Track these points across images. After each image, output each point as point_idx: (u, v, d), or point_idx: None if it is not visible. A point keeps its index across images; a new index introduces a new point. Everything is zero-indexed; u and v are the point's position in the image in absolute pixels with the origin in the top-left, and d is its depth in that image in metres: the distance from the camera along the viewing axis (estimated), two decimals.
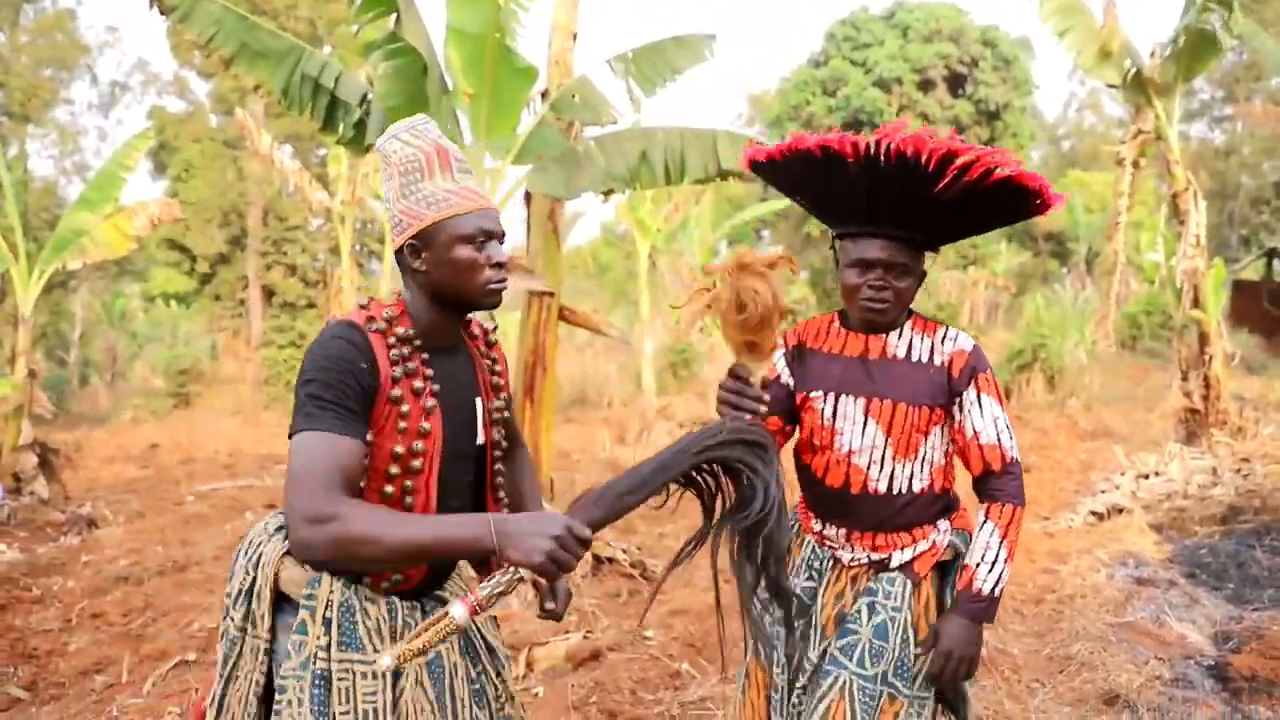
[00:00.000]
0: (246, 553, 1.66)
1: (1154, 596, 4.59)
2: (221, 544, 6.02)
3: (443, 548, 1.42)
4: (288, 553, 1.62)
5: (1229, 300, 14.29)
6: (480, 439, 1.74)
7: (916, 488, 1.97)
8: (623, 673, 3.61)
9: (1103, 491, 7.09)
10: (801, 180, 1.96)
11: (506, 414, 1.85)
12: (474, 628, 1.77)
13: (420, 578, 1.67)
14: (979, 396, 1.94)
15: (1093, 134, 38.48)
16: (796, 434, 2.09)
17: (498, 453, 1.79)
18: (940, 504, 2.02)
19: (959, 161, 1.71)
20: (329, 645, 1.56)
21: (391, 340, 1.60)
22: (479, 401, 1.74)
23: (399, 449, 1.58)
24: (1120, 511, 6.49)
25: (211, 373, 19.43)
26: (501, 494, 1.82)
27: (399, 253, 1.64)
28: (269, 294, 20.66)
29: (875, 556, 1.99)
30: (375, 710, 1.57)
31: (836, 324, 2.05)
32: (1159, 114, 7.47)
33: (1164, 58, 7.35)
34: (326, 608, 1.57)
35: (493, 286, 1.65)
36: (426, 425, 1.61)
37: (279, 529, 1.67)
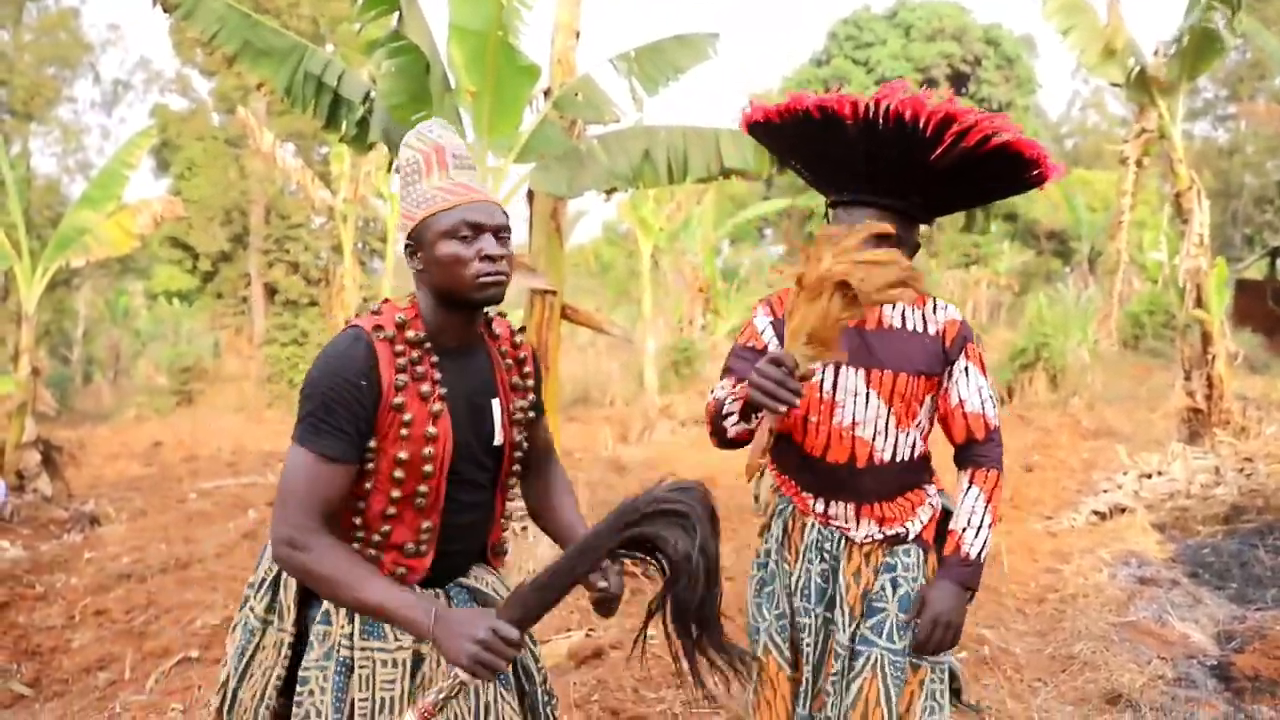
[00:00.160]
0: None
1: (1157, 596, 4.58)
2: (224, 541, 6.03)
3: (387, 618, 1.50)
4: None
5: (1232, 300, 14.29)
6: (499, 439, 1.72)
7: (916, 454, 2.00)
8: (625, 671, 3.61)
9: (1105, 491, 7.08)
10: (799, 142, 1.94)
11: (531, 415, 1.81)
12: None
13: (424, 570, 1.66)
14: (967, 366, 1.97)
15: (1096, 133, 38.42)
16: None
17: (517, 454, 1.77)
18: (928, 466, 2.05)
19: (957, 126, 1.70)
20: (352, 634, 1.60)
21: (399, 346, 1.60)
22: (496, 402, 1.72)
23: (403, 454, 1.59)
24: (1123, 511, 6.48)
25: (214, 370, 19.45)
26: (509, 495, 1.81)
27: (406, 255, 1.66)
28: (271, 292, 20.67)
29: (888, 531, 1.97)
30: (392, 699, 1.59)
31: None
32: (1162, 113, 7.46)
33: (1168, 56, 7.34)
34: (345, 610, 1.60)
35: (483, 280, 1.58)
36: (433, 430, 1.60)
37: None
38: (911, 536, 1.99)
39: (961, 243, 24.11)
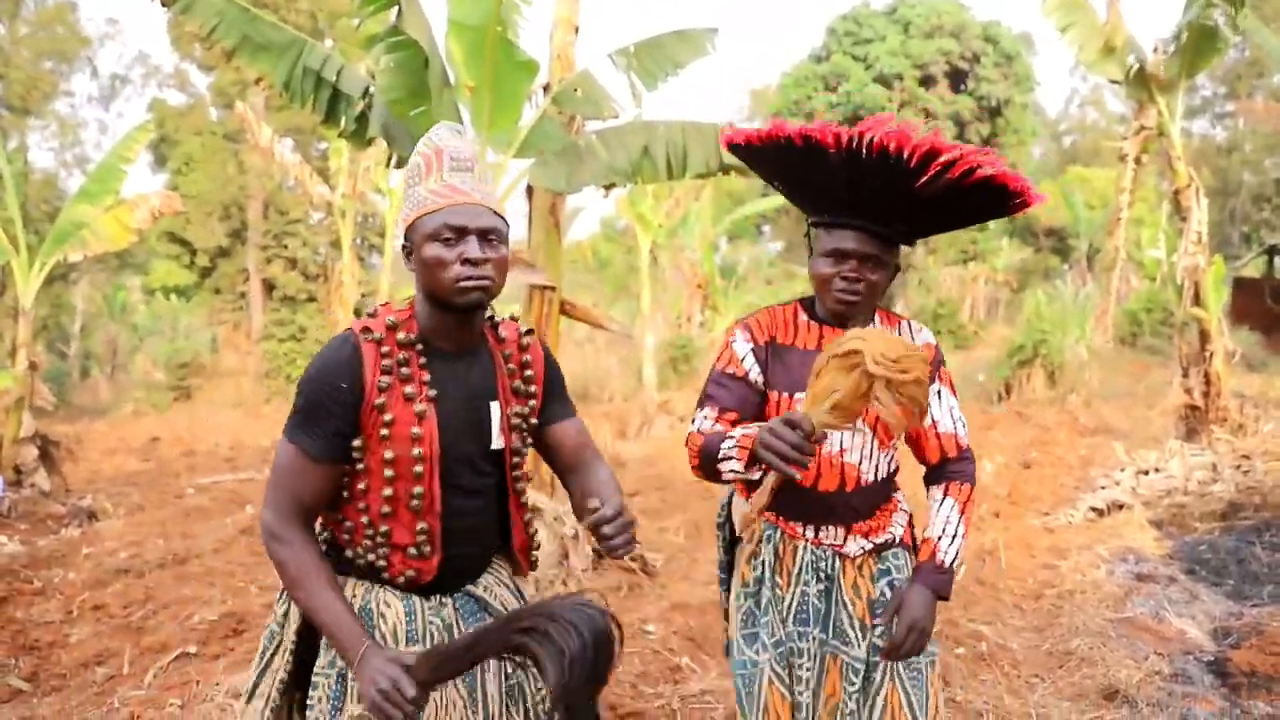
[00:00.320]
0: None
1: (1154, 592, 4.59)
2: (222, 537, 6.03)
3: (328, 635, 1.57)
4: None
5: (1230, 297, 14.30)
6: (497, 444, 1.71)
7: (892, 469, 2.03)
8: (623, 667, 3.61)
9: (1103, 488, 7.09)
10: (781, 167, 1.93)
11: (534, 420, 1.79)
12: None
13: (433, 571, 1.67)
14: (940, 389, 1.99)
15: (1094, 130, 38.44)
16: None
17: (516, 459, 1.75)
18: (895, 474, 2.09)
19: (942, 159, 1.69)
20: None
21: (386, 348, 1.61)
22: (494, 405, 1.71)
23: (389, 454, 1.60)
24: (1120, 507, 6.49)
25: (212, 366, 19.45)
26: (525, 500, 1.80)
27: (403, 258, 1.68)
28: (269, 287, 20.66)
29: (875, 540, 2.00)
30: None
31: (803, 317, 1.98)
32: (1161, 110, 7.46)
33: (1167, 53, 7.34)
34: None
35: (463, 284, 1.56)
36: (418, 430, 1.61)
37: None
38: (897, 540, 2.03)
39: (960, 239, 24.12)
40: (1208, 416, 7.55)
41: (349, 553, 1.68)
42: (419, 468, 1.61)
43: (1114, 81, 7.67)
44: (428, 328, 1.65)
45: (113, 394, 19.58)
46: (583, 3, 5.36)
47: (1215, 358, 7.51)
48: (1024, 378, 12.95)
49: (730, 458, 1.72)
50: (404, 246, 1.64)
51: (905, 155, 1.70)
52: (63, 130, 23.41)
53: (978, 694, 3.44)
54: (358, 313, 12.02)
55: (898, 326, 2.00)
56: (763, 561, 2.00)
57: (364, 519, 1.65)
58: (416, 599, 1.68)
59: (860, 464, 1.95)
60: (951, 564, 1.92)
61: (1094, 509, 6.51)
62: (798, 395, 1.90)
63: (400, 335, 1.62)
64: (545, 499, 4.91)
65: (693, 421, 1.93)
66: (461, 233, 1.57)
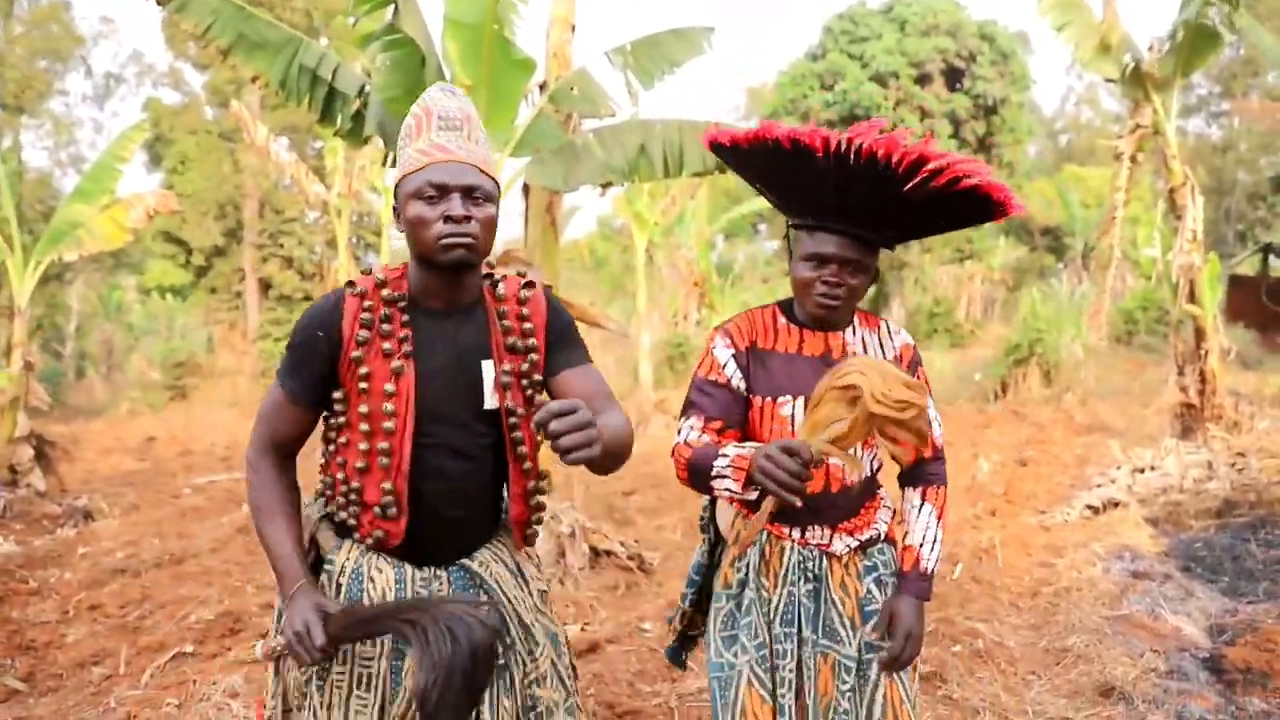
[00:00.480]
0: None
1: (1149, 590, 4.60)
2: (218, 536, 6.02)
3: (272, 565, 1.65)
4: (325, 516, 1.73)
5: (1225, 295, 14.34)
6: (490, 403, 1.68)
7: (876, 465, 2.03)
8: (620, 665, 3.62)
9: (1098, 485, 7.11)
10: (767, 169, 1.92)
11: (538, 377, 1.73)
12: (507, 604, 1.71)
13: (400, 534, 1.65)
14: None
15: (1090, 128, 38.48)
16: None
17: (514, 419, 1.70)
18: (879, 471, 2.09)
19: (929, 166, 1.71)
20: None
21: (369, 303, 1.62)
22: (487, 365, 1.68)
23: (364, 408, 1.62)
24: (1116, 505, 6.51)
25: (208, 365, 19.41)
26: (527, 463, 1.74)
27: (395, 219, 1.70)
28: (265, 287, 20.64)
29: (860, 537, 2.00)
30: (370, 675, 1.62)
31: (783, 320, 1.96)
32: (1157, 109, 7.48)
33: (1162, 52, 7.36)
34: (340, 573, 1.66)
35: (445, 241, 1.55)
36: (391, 387, 1.61)
37: (318, 495, 1.77)
38: (881, 536, 2.04)
39: (955, 238, 24.12)
40: (1203, 414, 7.57)
41: (330, 508, 1.71)
42: (388, 423, 1.60)
43: (1110, 80, 7.69)
44: (417, 287, 1.65)
45: (108, 394, 19.54)
46: (579, 1, 5.36)
47: (1210, 356, 7.54)
48: (1020, 376, 12.98)
49: (725, 477, 1.73)
50: (395, 208, 1.66)
51: (894, 162, 1.71)
52: (57, 129, 23.35)
53: (974, 691, 3.44)
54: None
55: (876, 328, 2.00)
56: (747, 564, 1.99)
57: (340, 474, 1.67)
58: (409, 568, 1.67)
59: (845, 465, 1.95)
60: (933, 570, 1.97)
61: (1090, 507, 6.53)
62: (780, 399, 1.90)
63: (386, 292, 1.63)
64: (545, 498, 4.91)
65: (678, 432, 1.93)
66: (444, 190, 1.56)
